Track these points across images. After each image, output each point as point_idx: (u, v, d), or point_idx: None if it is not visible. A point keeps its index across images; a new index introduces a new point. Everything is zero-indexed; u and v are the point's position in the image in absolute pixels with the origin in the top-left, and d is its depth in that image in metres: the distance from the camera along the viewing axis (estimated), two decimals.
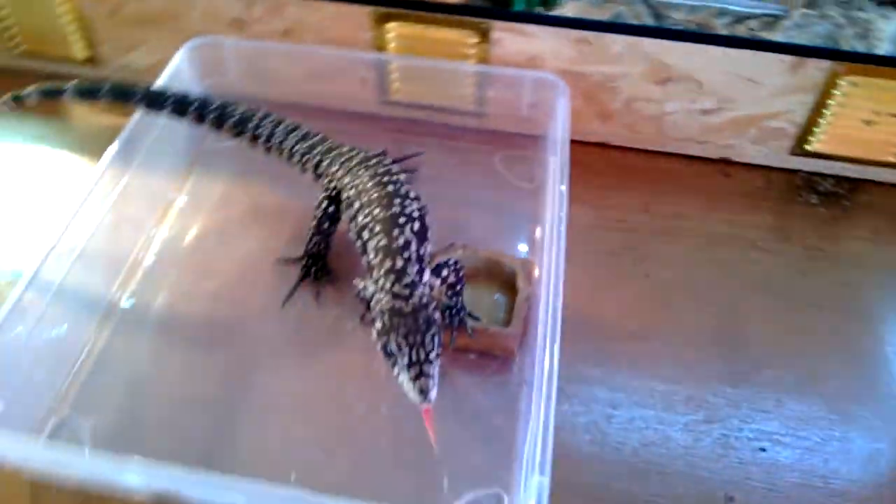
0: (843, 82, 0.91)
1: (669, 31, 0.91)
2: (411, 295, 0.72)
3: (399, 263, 0.73)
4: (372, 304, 0.73)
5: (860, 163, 1.00)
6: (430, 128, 1.05)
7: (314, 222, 0.87)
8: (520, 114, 1.00)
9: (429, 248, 0.78)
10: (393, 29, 0.97)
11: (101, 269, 0.87)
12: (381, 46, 1.00)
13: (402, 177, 0.84)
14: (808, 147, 0.99)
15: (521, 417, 0.77)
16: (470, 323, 0.81)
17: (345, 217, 0.84)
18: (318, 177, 0.88)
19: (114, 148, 0.87)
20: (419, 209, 0.80)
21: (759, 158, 1.03)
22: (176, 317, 0.86)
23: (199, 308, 0.87)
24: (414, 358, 0.68)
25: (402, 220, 0.78)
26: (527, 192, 0.99)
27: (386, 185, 0.81)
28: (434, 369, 0.68)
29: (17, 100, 0.91)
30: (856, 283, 0.92)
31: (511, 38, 0.96)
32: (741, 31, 0.99)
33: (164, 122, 0.94)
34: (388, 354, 0.70)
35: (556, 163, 0.88)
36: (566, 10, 0.99)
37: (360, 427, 0.77)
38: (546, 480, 0.63)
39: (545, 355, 0.71)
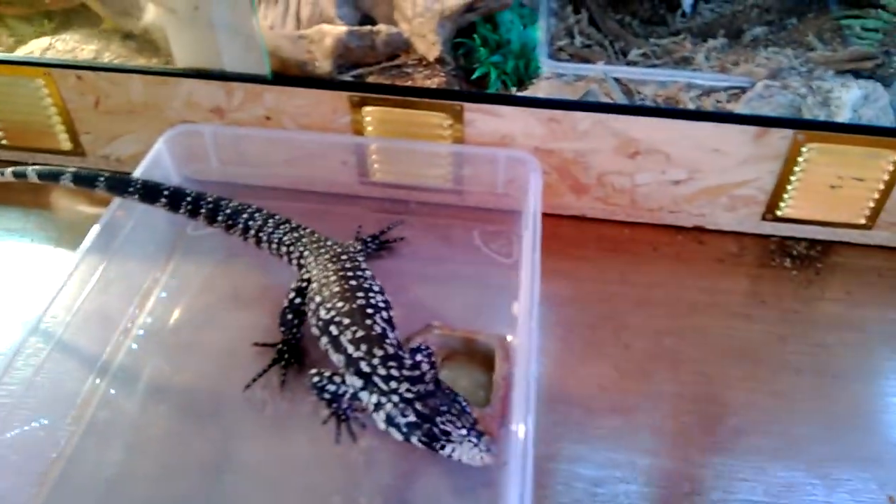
0: (805, 149, 0.94)
1: (634, 108, 0.95)
2: (423, 373, 0.73)
3: (390, 349, 0.75)
4: (371, 401, 0.74)
5: (830, 225, 1.02)
6: (409, 206, 1.07)
7: (280, 313, 0.87)
8: (496, 190, 1.02)
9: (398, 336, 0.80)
10: (370, 113, 1.00)
11: (77, 359, 0.87)
12: (359, 130, 1.02)
13: (369, 272, 0.86)
14: (778, 213, 1.01)
15: (501, 501, 0.76)
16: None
17: (307, 310, 0.85)
18: (299, 267, 0.90)
19: (94, 233, 0.89)
20: (384, 301, 0.82)
21: (733, 225, 1.05)
22: (150, 411, 0.85)
23: (173, 401, 0.86)
24: (468, 424, 0.71)
25: (369, 310, 0.80)
26: (506, 267, 1.00)
27: (349, 278, 0.83)
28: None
29: (18, 176, 0.94)
30: (832, 344, 0.93)
31: (483, 119, 0.99)
32: (708, 103, 1.03)
33: (143, 209, 0.96)
34: (434, 439, 0.71)
35: (529, 237, 0.90)
36: (539, 88, 1.03)
37: None
38: None
39: (519, 437, 0.71)
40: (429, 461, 0.79)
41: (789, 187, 0.98)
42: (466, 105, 0.97)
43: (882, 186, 0.96)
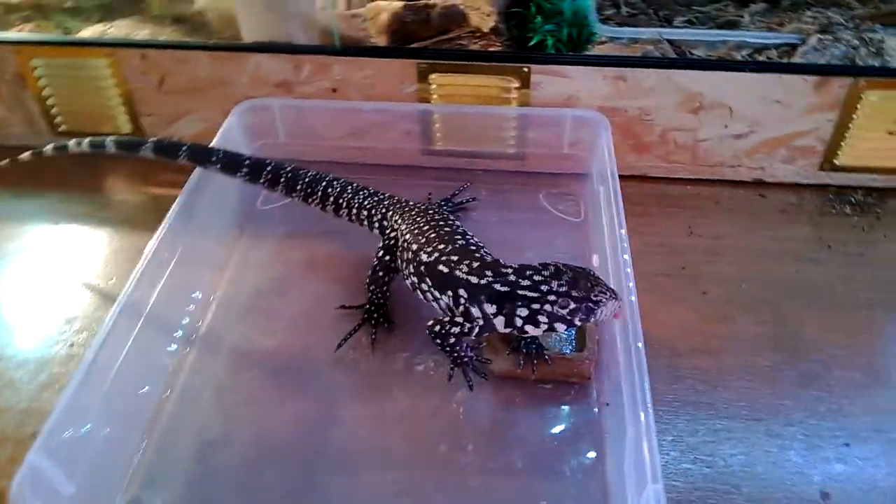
0: (865, 96, 0.97)
1: (700, 61, 0.97)
2: (556, 267, 0.75)
3: (514, 265, 0.76)
4: (518, 317, 0.74)
5: (887, 172, 1.05)
6: (475, 174, 1.09)
7: (370, 271, 0.89)
8: (562, 152, 1.05)
9: None
10: (436, 80, 1.02)
11: (162, 335, 0.87)
12: (424, 98, 1.04)
13: (458, 222, 0.88)
14: (836, 162, 1.04)
15: (608, 439, 0.78)
16: (548, 352, 0.83)
17: (401, 261, 0.86)
18: (382, 230, 0.91)
19: (173, 212, 0.89)
20: (482, 243, 0.84)
21: (791, 177, 1.08)
22: (240, 377, 0.86)
23: (262, 366, 0.87)
24: (605, 285, 0.73)
25: (473, 247, 0.82)
26: (574, 224, 1.03)
27: (443, 226, 0.85)
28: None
29: (95, 146, 0.94)
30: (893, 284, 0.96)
31: (549, 81, 1.01)
32: (762, 59, 1.06)
33: (216, 186, 0.97)
34: (592, 312, 0.73)
35: (609, 190, 0.92)
36: (599, 51, 1.05)
37: (446, 467, 0.77)
38: (660, 488, 0.63)
39: (634, 369, 0.73)
40: (525, 406, 0.81)
41: (847, 136, 1.01)
42: (533, 67, 0.99)
43: None
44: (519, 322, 0.75)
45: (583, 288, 0.73)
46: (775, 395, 0.84)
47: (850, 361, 0.87)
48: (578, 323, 0.74)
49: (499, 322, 0.76)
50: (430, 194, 1.04)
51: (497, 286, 0.75)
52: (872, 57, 1.01)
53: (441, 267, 0.79)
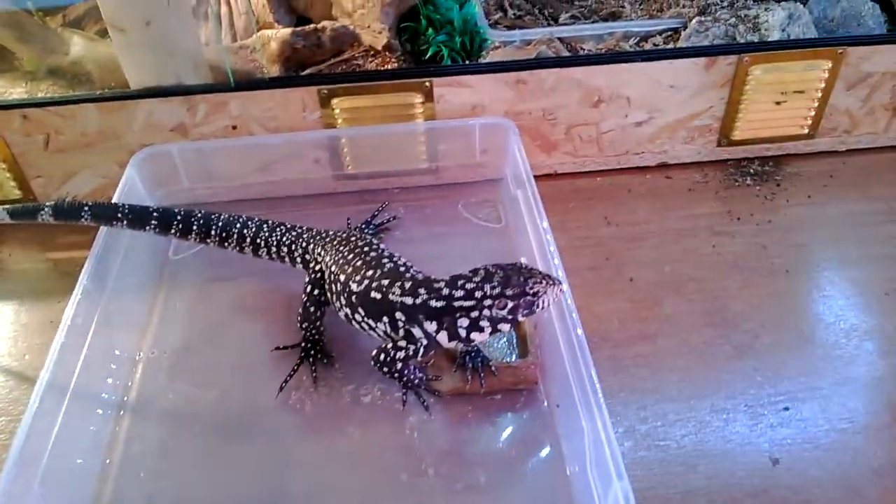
0: (751, 71, 1.02)
1: (595, 57, 1.00)
2: (486, 271, 0.74)
3: (446, 278, 0.75)
4: (460, 329, 0.74)
5: (778, 140, 1.11)
6: (390, 193, 1.08)
7: (301, 309, 0.86)
8: (473, 161, 1.05)
9: None
10: (338, 105, 1.01)
11: (92, 406, 0.82)
12: (330, 124, 1.02)
13: (383, 245, 0.86)
14: (732, 137, 1.09)
15: (565, 440, 0.79)
16: (493, 363, 0.83)
17: (331, 294, 0.84)
18: (306, 264, 0.89)
19: (84, 276, 0.84)
20: (410, 264, 0.83)
21: (693, 156, 1.12)
22: (183, 435, 0.82)
23: (204, 421, 0.83)
24: (540, 274, 0.73)
25: (402, 268, 0.81)
26: (496, 230, 1.03)
27: (367, 252, 0.83)
28: None
29: (14, 213, 0.89)
30: (808, 242, 1.02)
31: (453, 92, 1.01)
32: (649, 48, 1.09)
33: (124, 241, 0.93)
34: (533, 305, 0.72)
35: (527, 193, 0.93)
36: (495, 57, 1.06)
37: (411, 494, 0.76)
38: (626, 485, 0.64)
39: (581, 367, 0.74)
40: (479, 421, 0.81)
41: (740, 110, 1.06)
42: (435, 80, 0.99)
43: (820, 95, 1.05)
44: (462, 333, 0.75)
45: (516, 284, 0.72)
46: (714, 370, 0.87)
47: (778, 327, 0.91)
48: (523, 318, 0.74)
49: (442, 338, 0.76)
50: (348, 220, 1.02)
51: (433, 302, 0.75)
52: (750, 32, 1.06)
53: (373, 294, 0.78)
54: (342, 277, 0.81)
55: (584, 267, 0.99)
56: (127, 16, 0.93)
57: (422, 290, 0.75)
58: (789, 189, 1.09)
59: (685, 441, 0.80)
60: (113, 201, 0.91)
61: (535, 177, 0.95)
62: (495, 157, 1.04)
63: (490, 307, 0.73)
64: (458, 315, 0.74)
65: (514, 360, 0.85)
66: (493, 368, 0.82)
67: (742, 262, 0.99)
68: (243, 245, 0.91)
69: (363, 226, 1.00)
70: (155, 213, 0.89)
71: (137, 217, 0.89)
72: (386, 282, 0.78)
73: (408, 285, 0.76)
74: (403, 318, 0.76)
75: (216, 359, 0.89)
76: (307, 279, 0.87)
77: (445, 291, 0.74)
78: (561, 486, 0.75)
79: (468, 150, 1.04)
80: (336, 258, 0.84)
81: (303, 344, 0.87)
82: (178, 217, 0.90)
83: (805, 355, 0.88)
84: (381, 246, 0.86)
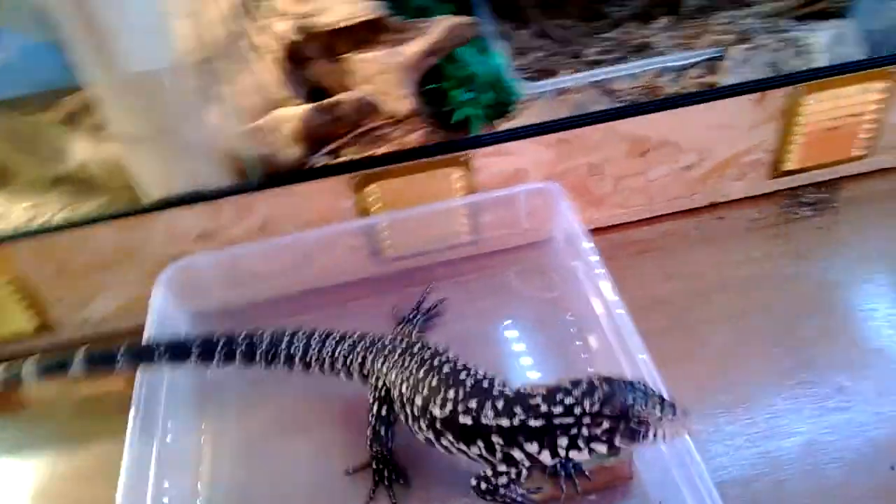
0: (803, 101, 0.96)
1: (646, 105, 0.93)
2: (591, 384, 0.67)
3: (542, 390, 0.69)
4: (560, 448, 0.67)
5: (832, 164, 1.05)
6: (430, 272, 1.01)
7: (370, 431, 0.79)
8: (519, 229, 0.98)
9: None
10: (373, 191, 0.93)
11: None
12: (364, 210, 0.95)
13: (448, 350, 0.79)
14: (783, 167, 1.03)
15: None
16: (585, 466, 0.76)
17: (408, 419, 0.76)
18: (365, 377, 0.82)
19: (132, 421, 0.77)
20: (484, 372, 0.75)
21: (744, 191, 1.06)
22: None
23: None
24: (657, 402, 0.66)
25: (485, 383, 0.73)
26: (551, 301, 0.97)
27: (439, 367, 0.75)
28: None
29: (9, 381, 0.81)
30: (880, 271, 0.97)
31: (493, 161, 0.94)
32: (688, 83, 1.03)
33: (166, 378, 0.85)
34: (635, 434, 0.66)
35: (585, 262, 0.88)
36: (531, 113, 0.99)
37: None
38: None
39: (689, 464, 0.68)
40: None
41: (792, 140, 1.00)
42: (473, 152, 0.92)
43: (875, 116, 0.99)
44: (562, 452, 0.68)
45: (618, 404, 0.66)
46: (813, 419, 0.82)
47: (865, 372, 0.86)
48: (621, 445, 0.67)
49: (545, 457, 0.69)
50: (394, 308, 0.95)
51: (532, 422, 0.68)
52: (795, 58, 1.00)
53: (462, 419, 0.70)
54: (419, 401, 0.74)
55: (649, 331, 0.92)
56: (137, 126, 0.85)
57: (517, 410, 0.68)
58: (848, 215, 1.03)
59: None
60: (145, 334, 0.84)
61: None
62: (540, 221, 0.97)
63: (588, 425, 0.66)
64: (558, 432, 0.67)
65: (604, 457, 0.79)
66: (586, 472, 0.76)
67: (823, 305, 0.93)
68: (292, 364, 0.84)
69: (413, 315, 0.93)
70: (196, 345, 0.82)
71: (177, 351, 0.82)
72: (474, 403, 0.70)
73: (500, 405, 0.69)
74: (502, 442, 0.69)
75: (281, 492, 0.82)
76: (371, 397, 0.80)
77: (544, 408, 0.67)
78: None
79: (513, 219, 0.97)
80: (404, 375, 0.77)
81: (374, 466, 0.80)
82: (221, 344, 0.82)
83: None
84: (450, 354, 0.78)
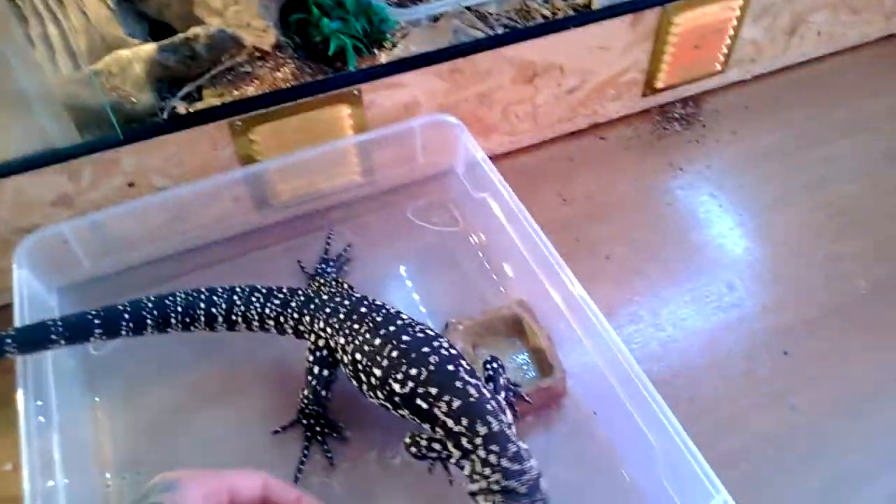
0: (673, 21, 0.99)
1: (537, 28, 0.91)
2: (522, 470, 0.62)
3: (495, 426, 0.63)
4: (468, 472, 0.63)
5: (696, 80, 1.10)
6: (326, 217, 0.94)
7: (308, 391, 0.74)
8: (416, 163, 0.94)
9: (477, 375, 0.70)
10: (255, 135, 0.84)
11: None
12: (248, 157, 0.86)
13: (405, 315, 0.73)
14: (656, 86, 1.07)
15: (613, 444, 0.75)
16: (522, 390, 0.76)
17: (361, 385, 0.71)
18: (299, 335, 0.76)
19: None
20: (449, 344, 0.71)
21: (620, 111, 1.09)
22: None
23: None
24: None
25: (451, 367, 0.68)
26: (456, 235, 0.94)
27: (397, 332, 0.70)
28: None
29: None
30: (752, 177, 1.04)
31: (385, 95, 0.89)
32: (559, 4, 1.02)
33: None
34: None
35: (493, 191, 0.86)
36: (413, 42, 0.94)
37: None
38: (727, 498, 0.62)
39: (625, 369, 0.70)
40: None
41: (662, 60, 1.03)
42: (362, 86, 0.86)
43: (732, 31, 1.05)
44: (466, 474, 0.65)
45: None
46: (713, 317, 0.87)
47: (763, 272, 0.92)
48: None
49: (464, 465, 0.65)
50: (299, 262, 0.88)
51: (463, 441, 0.64)
52: None
53: (419, 402, 0.66)
54: (378, 372, 0.68)
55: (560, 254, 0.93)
56: None
57: (464, 421, 0.64)
58: (714, 128, 1.10)
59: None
60: (16, 316, 0.71)
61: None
62: (437, 154, 0.94)
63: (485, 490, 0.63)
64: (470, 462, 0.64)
65: (539, 379, 0.79)
66: (526, 398, 0.76)
67: (700, 217, 0.98)
68: (214, 324, 0.76)
69: (323, 266, 0.87)
70: (97, 320, 0.71)
71: (77, 328, 0.70)
72: (434, 391, 0.66)
73: (455, 405, 0.65)
74: (442, 434, 0.66)
75: (204, 462, 0.73)
76: (310, 358, 0.74)
77: (478, 441, 0.63)
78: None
79: (409, 153, 0.93)
80: (357, 342, 0.71)
81: (304, 421, 0.75)
82: (127, 314, 0.72)
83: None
84: (403, 316, 0.73)
